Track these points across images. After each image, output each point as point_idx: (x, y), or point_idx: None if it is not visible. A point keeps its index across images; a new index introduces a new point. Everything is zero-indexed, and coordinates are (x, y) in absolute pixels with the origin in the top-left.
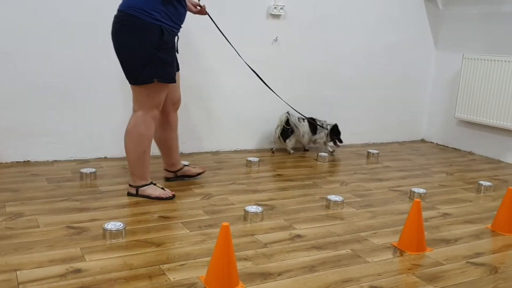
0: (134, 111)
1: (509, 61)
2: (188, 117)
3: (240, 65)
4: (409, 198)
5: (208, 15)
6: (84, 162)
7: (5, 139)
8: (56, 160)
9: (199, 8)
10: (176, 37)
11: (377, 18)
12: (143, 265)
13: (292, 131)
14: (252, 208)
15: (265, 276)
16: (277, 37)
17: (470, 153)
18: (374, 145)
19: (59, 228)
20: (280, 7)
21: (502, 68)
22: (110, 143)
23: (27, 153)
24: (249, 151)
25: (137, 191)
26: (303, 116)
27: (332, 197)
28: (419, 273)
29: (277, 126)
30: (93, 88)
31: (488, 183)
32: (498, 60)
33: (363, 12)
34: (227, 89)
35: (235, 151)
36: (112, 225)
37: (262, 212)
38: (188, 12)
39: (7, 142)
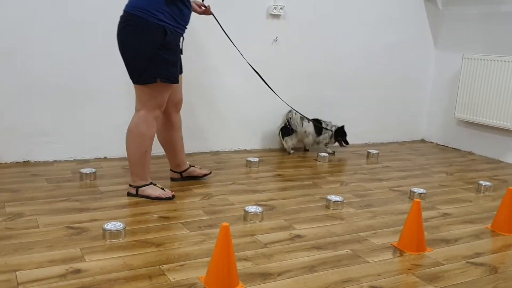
0: (137, 110)
1: (509, 61)
2: (188, 117)
3: (240, 65)
4: (409, 198)
5: (213, 15)
6: (84, 162)
7: (5, 139)
8: (56, 160)
9: (203, 8)
10: (182, 38)
11: (377, 18)
12: (143, 266)
13: (293, 131)
14: (252, 208)
15: (265, 276)
16: (277, 37)
17: (470, 153)
18: (374, 145)
19: (59, 229)
20: (280, 7)
21: (502, 68)
22: (110, 143)
23: (27, 153)
24: (249, 151)
25: (137, 191)
26: (307, 118)
27: (332, 197)
28: (419, 273)
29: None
30: (93, 88)
31: (488, 183)
32: (498, 60)
33: (363, 12)
34: (228, 90)
35: (235, 151)
36: (112, 226)
37: (262, 212)
38: (192, 13)
39: (7, 142)
